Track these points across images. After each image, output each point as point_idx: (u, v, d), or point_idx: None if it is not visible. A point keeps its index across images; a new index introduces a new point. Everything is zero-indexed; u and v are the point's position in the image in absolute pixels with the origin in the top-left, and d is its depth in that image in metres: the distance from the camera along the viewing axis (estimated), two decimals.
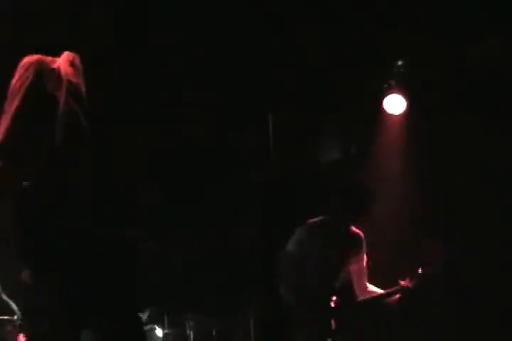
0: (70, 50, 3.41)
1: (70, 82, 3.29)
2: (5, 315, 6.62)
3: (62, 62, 3.36)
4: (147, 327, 7.90)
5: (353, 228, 6.06)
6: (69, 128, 3.22)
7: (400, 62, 7.86)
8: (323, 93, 7.74)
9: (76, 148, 3.22)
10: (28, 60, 3.33)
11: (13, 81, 3.30)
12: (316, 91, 7.69)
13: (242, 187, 7.96)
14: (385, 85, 7.98)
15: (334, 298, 5.84)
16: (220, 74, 7.12)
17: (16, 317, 6.49)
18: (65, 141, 3.20)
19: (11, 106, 3.24)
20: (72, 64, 3.36)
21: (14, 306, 6.48)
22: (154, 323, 8.10)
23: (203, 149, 7.86)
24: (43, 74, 3.28)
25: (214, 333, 8.16)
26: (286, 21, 6.88)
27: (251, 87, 7.39)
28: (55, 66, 3.33)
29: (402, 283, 5.94)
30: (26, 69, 3.29)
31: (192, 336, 8.12)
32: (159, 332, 7.99)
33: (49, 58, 3.38)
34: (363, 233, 6.07)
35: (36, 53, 3.37)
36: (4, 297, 6.50)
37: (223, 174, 8.05)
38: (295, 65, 7.34)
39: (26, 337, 3.32)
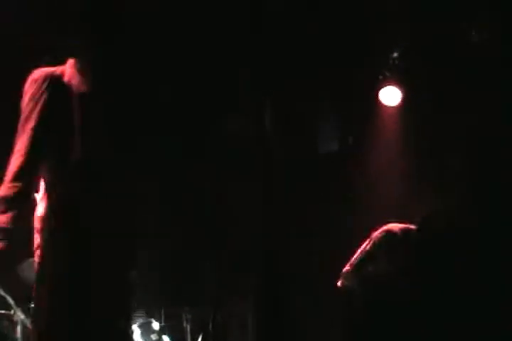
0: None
1: (78, 90, 3.33)
2: (1, 310, 6.57)
3: (69, 69, 3.38)
4: (144, 321, 7.88)
5: None
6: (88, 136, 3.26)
7: (394, 54, 7.87)
8: (319, 85, 7.75)
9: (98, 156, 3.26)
10: (38, 75, 3.36)
11: (26, 99, 3.32)
12: (313, 83, 7.70)
13: (241, 175, 7.95)
14: (380, 77, 7.99)
15: None
16: (217, 62, 7.13)
17: (12, 311, 6.43)
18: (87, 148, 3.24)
19: (27, 126, 3.26)
20: (79, 71, 3.38)
21: (11, 300, 6.42)
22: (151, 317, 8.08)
23: (200, 137, 7.86)
24: (56, 90, 3.32)
25: (210, 326, 8.15)
26: (280, 11, 6.90)
27: (249, 76, 7.39)
28: (63, 77, 3.38)
29: None
30: (38, 87, 3.32)
31: (189, 329, 8.11)
32: (156, 325, 7.95)
33: (57, 70, 3.42)
34: None
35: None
36: (0, 291, 6.45)
37: (220, 165, 8.04)
38: (292, 55, 7.35)
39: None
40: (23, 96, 3.35)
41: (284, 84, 7.54)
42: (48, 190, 3.31)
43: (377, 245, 5.95)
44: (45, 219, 3.31)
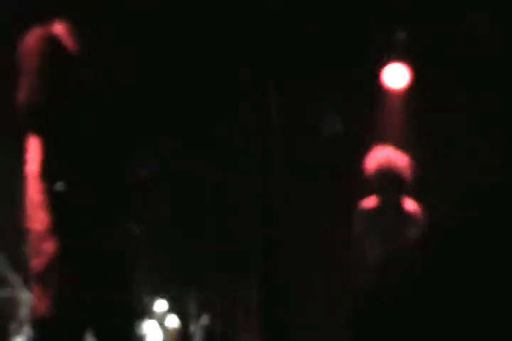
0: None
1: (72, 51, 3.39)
2: (7, 290, 6.64)
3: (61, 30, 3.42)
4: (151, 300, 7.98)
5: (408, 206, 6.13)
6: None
7: (400, 35, 7.81)
8: (322, 67, 7.70)
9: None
10: (37, 32, 3.40)
11: (25, 54, 3.34)
12: (316, 66, 7.66)
13: (243, 165, 7.95)
14: (386, 57, 7.94)
15: None
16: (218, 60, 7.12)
17: (17, 291, 6.51)
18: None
19: (29, 69, 3.30)
20: (70, 33, 3.42)
21: (16, 280, 6.51)
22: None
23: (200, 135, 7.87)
24: (54, 48, 3.36)
25: (218, 307, 8.24)
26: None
27: (251, 62, 7.35)
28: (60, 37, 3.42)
29: None
30: (39, 40, 3.35)
31: (195, 309, 8.21)
32: (163, 304, 8.07)
33: (54, 28, 3.45)
34: None
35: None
36: (6, 272, 6.54)
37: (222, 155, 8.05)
38: (294, 40, 7.30)
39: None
40: (22, 52, 3.38)
41: (286, 71, 7.49)
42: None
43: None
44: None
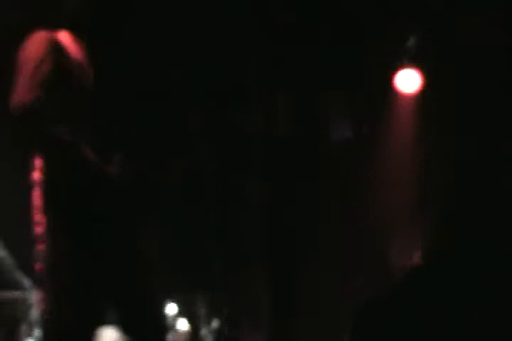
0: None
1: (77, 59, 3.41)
2: (17, 292, 6.69)
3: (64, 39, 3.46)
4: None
5: None
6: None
7: (412, 40, 7.80)
8: (325, 68, 7.68)
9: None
10: (41, 36, 3.42)
11: (28, 52, 3.36)
12: (327, 70, 7.65)
13: (249, 168, 7.97)
14: (398, 63, 7.93)
15: None
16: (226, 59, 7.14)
17: (27, 294, 6.56)
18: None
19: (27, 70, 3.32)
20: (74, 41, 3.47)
21: (26, 283, 6.56)
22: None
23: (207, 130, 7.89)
24: (59, 54, 3.33)
25: (224, 310, 8.25)
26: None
27: (260, 66, 7.39)
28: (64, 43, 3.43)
29: None
30: (41, 43, 3.29)
31: (202, 313, 8.21)
32: (173, 308, 8.10)
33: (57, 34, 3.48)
34: None
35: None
36: (17, 274, 6.59)
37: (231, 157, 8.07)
38: (304, 42, 7.31)
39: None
40: (23, 54, 3.40)
41: (295, 74, 7.50)
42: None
43: None
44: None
